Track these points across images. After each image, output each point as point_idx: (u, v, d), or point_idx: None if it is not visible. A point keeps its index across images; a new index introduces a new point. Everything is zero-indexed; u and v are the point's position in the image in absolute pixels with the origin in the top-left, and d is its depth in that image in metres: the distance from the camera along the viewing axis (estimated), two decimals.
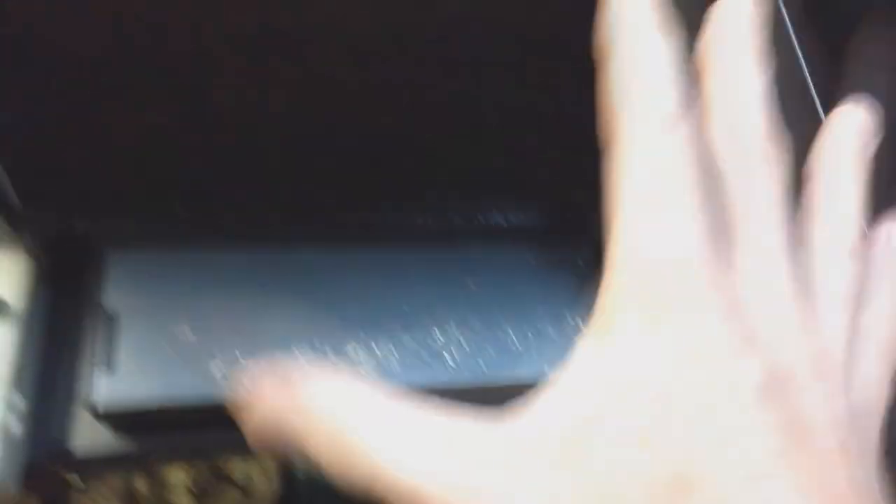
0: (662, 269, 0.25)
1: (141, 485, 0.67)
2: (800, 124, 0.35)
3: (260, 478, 0.69)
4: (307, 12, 0.39)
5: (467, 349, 0.52)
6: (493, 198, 0.54)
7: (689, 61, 0.31)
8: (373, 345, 0.51)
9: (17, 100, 0.42)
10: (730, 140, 0.28)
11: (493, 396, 0.55)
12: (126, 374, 0.48)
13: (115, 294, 0.50)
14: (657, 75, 0.27)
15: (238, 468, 0.69)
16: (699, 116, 0.28)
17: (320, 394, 0.30)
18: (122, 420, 0.49)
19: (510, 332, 0.53)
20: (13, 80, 0.41)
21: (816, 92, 0.36)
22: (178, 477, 0.67)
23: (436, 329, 0.52)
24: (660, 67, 0.27)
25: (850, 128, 0.32)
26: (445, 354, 0.52)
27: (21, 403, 0.48)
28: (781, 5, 0.36)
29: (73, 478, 0.55)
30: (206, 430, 0.51)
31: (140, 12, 0.38)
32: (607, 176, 0.28)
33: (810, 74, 0.36)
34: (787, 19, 0.36)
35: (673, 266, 0.25)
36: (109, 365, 0.48)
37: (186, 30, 0.39)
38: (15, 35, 0.38)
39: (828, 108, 0.37)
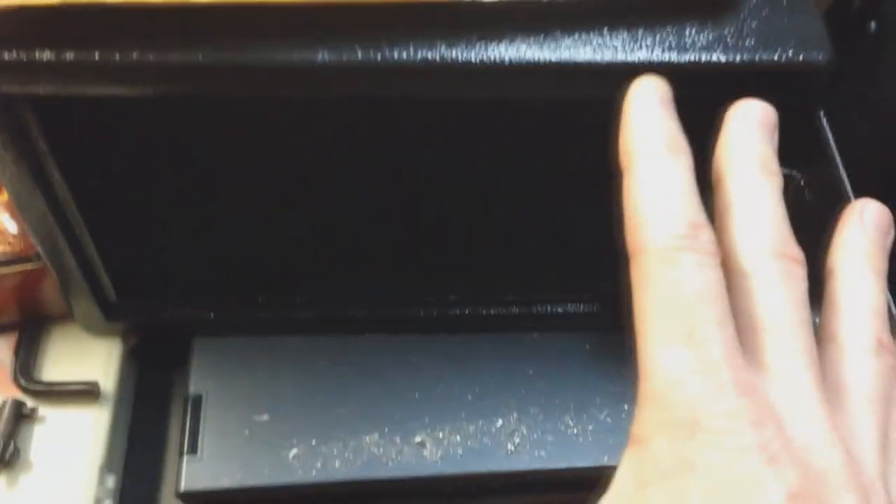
0: (688, 387, 0.25)
1: None
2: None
3: None
4: (385, 122, 0.43)
5: (528, 437, 0.54)
6: (550, 288, 0.57)
7: (704, 168, 0.32)
8: (439, 433, 0.53)
9: (117, 215, 0.46)
10: (745, 251, 0.29)
11: (554, 484, 0.57)
12: (209, 457, 0.50)
13: (200, 380, 0.53)
14: (670, 196, 0.29)
15: None
16: (712, 231, 0.28)
17: None
18: (203, 501, 0.52)
19: (569, 421, 0.55)
20: (115, 202, 0.45)
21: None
22: None
23: (498, 418, 0.55)
24: (673, 188, 0.29)
25: (866, 222, 0.32)
26: (507, 442, 0.54)
27: (112, 482, 0.51)
28: (822, 120, 0.39)
29: None
30: None
31: (233, 129, 0.42)
32: (630, 290, 0.29)
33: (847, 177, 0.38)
34: (826, 129, 0.39)
35: (699, 380, 0.25)
36: (194, 448, 0.51)
37: (272, 143, 0.43)
38: (114, 156, 0.42)
39: None
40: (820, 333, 0.30)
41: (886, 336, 0.29)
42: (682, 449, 0.25)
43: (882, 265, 0.31)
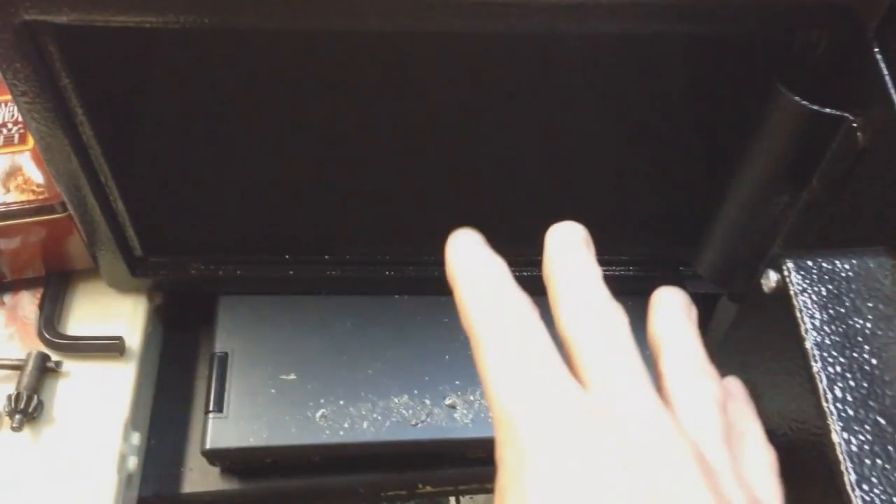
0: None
1: None
2: None
3: None
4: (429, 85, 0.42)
5: None
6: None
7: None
8: (470, 396, 0.52)
9: (143, 162, 0.45)
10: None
11: None
12: (235, 415, 0.49)
13: (227, 338, 0.52)
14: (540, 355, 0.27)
15: None
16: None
17: None
18: (229, 460, 0.51)
19: None
20: (141, 148, 0.44)
21: None
22: None
23: None
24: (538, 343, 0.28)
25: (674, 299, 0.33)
26: None
27: (137, 439, 0.50)
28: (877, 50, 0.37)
29: None
30: (310, 474, 0.52)
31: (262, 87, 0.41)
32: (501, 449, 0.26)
33: None
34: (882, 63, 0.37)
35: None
36: (220, 406, 0.50)
37: (303, 86, 0.42)
38: (139, 94, 0.41)
39: None
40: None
41: (707, 365, 0.31)
42: None
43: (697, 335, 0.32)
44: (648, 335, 0.32)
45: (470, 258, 0.31)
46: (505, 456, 0.26)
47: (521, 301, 0.30)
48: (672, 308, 0.33)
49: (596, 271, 0.32)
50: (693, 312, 0.33)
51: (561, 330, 0.29)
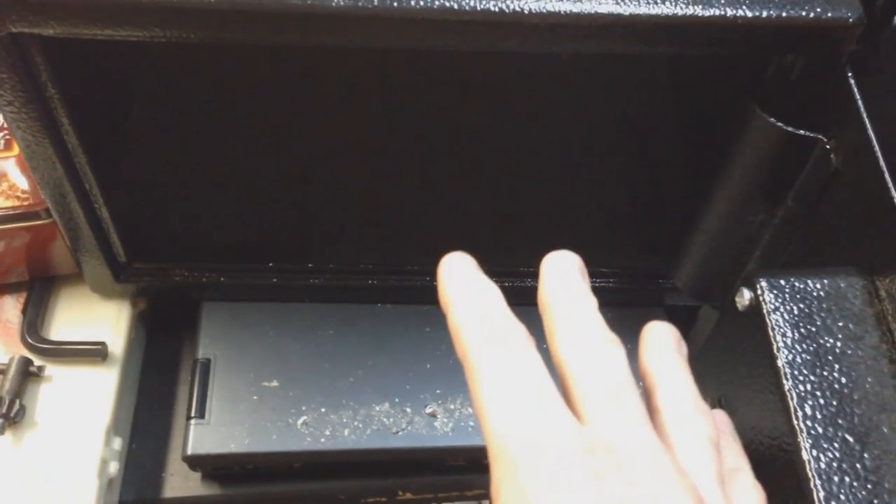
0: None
1: None
2: (873, 201, 0.36)
3: None
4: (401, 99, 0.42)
5: None
6: None
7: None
8: (450, 405, 0.53)
9: (128, 169, 0.45)
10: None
11: None
12: (216, 421, 0.50)
13: (209, 344, 0.52)
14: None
15: None
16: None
17: None
18: (210, 466, 0.51)
19: None
20: (126, 156, 0.44)
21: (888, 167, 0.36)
22: None
23: None
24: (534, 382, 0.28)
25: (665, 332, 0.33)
26: None
27: (118, 444, 0.50)
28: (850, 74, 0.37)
29: None
30: (291, 481, 0.53)
31: (244, 99, 0.41)
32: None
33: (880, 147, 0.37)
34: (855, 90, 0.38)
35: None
36: (201, 412, 0.50)
37: (286, 97, 0.43)
38: (124, 104, 0.42)
39: None
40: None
41: (701, 403, 0.31)
42: None
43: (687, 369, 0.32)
44: (640, 369, 0.32)
45: (464, 284, 0.31)
46: (501, 492, 0.25)
47: (517, 331, 0.29)
48: (664, 343, 0.32)
49: (592, 302, 0.31)
50: (683, 348, 0.33)
51: (558, 362, 0.29)
